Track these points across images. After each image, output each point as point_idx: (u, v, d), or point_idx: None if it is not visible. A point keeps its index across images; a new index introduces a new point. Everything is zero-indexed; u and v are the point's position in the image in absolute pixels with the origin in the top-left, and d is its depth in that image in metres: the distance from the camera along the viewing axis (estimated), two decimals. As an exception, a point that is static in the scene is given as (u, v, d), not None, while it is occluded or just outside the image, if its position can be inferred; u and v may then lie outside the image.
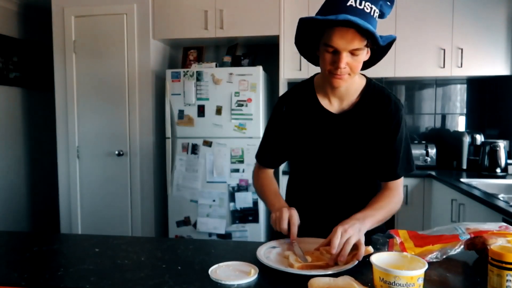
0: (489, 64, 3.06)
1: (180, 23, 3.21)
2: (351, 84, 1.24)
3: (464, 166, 3.13)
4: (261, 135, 2.98)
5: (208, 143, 3.05)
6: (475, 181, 2.58)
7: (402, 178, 1.28)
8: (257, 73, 2.98)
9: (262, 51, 3.51)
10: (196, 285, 0.92)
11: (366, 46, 1.12)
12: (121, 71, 3.24)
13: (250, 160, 3.00)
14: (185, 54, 3.44)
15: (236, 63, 3.25)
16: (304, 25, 1.19)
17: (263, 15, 3.09)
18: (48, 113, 3.68)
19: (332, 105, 1.28)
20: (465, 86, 3.46)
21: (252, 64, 3.24)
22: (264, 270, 0.99)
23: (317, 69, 1.27)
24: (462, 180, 2.63)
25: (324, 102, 1.29)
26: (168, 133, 3.11)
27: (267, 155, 1.41)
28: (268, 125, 1.41)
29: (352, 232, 1.03)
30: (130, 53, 3.22)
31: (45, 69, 3.95)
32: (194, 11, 3.17)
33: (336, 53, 1.12)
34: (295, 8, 3.21)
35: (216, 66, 3.12)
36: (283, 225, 1.13)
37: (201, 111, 3.05)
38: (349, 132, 1.26)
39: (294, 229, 1.13)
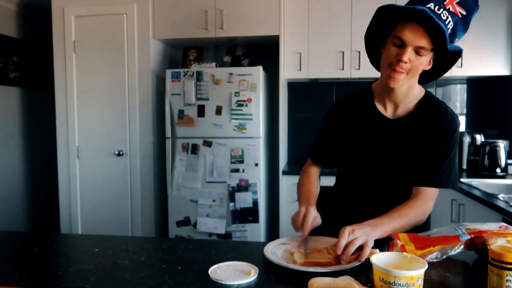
0: (489, 64, 3.06)
1: (180, 23, 3.21)
2: (408, 90, 1.24)
3: (464, 166, 3.13)
4: (261, 135, 3.00)
5: (208, 143, 3.05)
6: (475, 181, 2.58)
7: (436, 191, 1.23)
8: (257, 73, 2.98)
9: (262, 51, 3.51)
10: (196, 285, 0.92)
11: (432, 50, 1.14)
12: (121, 71, 3.24)
13: (250, 160, 3.00)
14: (185, 54, 3.44)
15: (236, 63, 3.25)
16: (381, 14, 1.20)
17: (263, 15, 3.09)
18: (48, 113, 3.67)
19: (387, 111, 1.29)
20: (465, 86, 3.46)
21: (252, 64, 3.24)
22: (265, 270, 0.99)
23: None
24: (462, 180, 2.63)
25: (379, 107, 1.30)
26: (168, 133, 3.11)
27: (319, 152, 1.43)
28: (323, 124, 1.43)
29: (359, 234, 1.02)
30: (130, 53, 3.22)
31: (45, 69, 3.95)
32: (194, 11, 3.17)
33: (402, 47, 1.14)
34: (295, 8, 3.21)
35: (216, 66, 3.12)
36: (298, 223, 1.16)
37: (201, 111, 3.05)
38: (401, 139, 1.26)
39: (306, 228, 1.14)
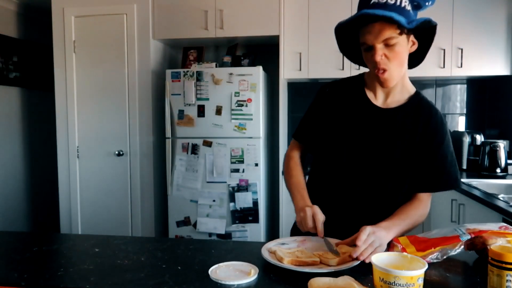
0: (489, 64, 3.06)
1: (180, 23, 3.21)
2: (399, 82, 1.23)
3: (464, 166, 3.12)
4: (261, 135, 3.00)
5: (208, 143, 3.05)
6: (475, 181, 2.58)
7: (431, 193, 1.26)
8: (257, 73, 2.98)
9: (262, 51, 3.51)
10: (196, 285, 0.92)
11: (401, 34, 1.12)
12: (121, 71, 3.24)
13: (250, 160, 3.00)
14: (185, 54, 3.44)
15: (236, 63, 3.25)
16: (338, 33, 1.23)
17: (263, 15, 3.09)
18: (48, 113, 3.67)
19: (377, 100, 1.27)
20: (465, 86, 3.46)
21: (252, 64, 3.24)
22: (265, 270, 0.99)
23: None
24: (462, 180, 2.63)
25: (370, 95, 1.28)
26: (168, 133, 3.11)
27: (305, 133, 1.39)
28: (310, 105, 1.40)
29: (379, 235, 1.04)
30: (130, 53, 3.22)
31: (45, 69, 3.95)
32: (194, 11, 3.17)
33: (371, 49, 1.14)
34: (295, 8, 3.21)
35: (216, 66, 3.12)
36: (309, 224, 1.13)
37: (201, 111, 3.05)
38: (388, 129, 1.23)
39: (320, 226, 1.13)
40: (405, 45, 1.15)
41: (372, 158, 1.24)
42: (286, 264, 0.99)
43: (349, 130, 1.27)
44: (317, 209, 1.17)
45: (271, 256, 1.04)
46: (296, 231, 1.33)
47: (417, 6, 1.15)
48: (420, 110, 1.24)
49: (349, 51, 1.31)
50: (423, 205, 1.23)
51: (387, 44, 1.12)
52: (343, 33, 1.23)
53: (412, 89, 1.28)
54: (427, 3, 1.17)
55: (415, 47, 1.19)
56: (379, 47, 1.12)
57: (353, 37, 1.22)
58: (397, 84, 1.23)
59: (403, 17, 1.09)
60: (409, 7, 1.12)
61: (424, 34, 1.19)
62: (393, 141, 1.23)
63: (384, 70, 1.15)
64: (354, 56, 1.32)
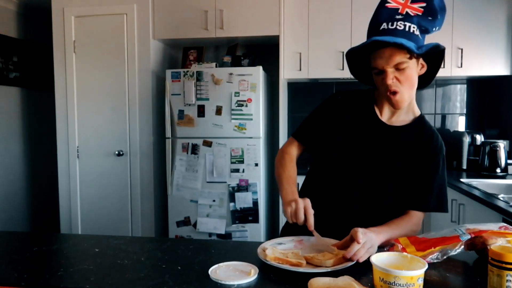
0: (489, 64, 3.06)
1: (180, 23, 3.20)
2: (407, 102, 1.25)
3: (464, 166, 3.13)
4: (261, 135, 3.00)
5: (208, 143, 3.05)
6: (475, 181, 2.58)
7: (423, 213, 1.29)
8: (257, 73, 2.98)
9: (262, 51, 3.51)
10: (196, 285, 0.92)
11: (410, 58, 1.16)
12: (121, 71, 3.24)
13: (250, 160, 3.00)
14: (185, 54, 3.44)
15: (236, 63, 3.25)
16: (350, 57, 1.29)
17: (263, 15, 3.09)
18: (48, 113, 3.67)
19: (383, 117, 1.31)
20: (465, 86, 3.46)
21: (252, 64, 3.24)
22: (265, 270, 0.99)
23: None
24: (462, 180, 2.63)
25: (377, 111, 1.32)
26: (168, 133, 3.11)
27: (307, 132, 1.40)
28: (318, 108, 1.41)
29: (370, 236, 1.05)
30: (130, 53, 3.22)
31: (45, 69, 3.95)
32: (194, 11, 3.17)
33: (382, 73, 1.18)
34: (295, 8, 3.21)
35: (216, 66, 3.12)
36: (301, 216, 1.14)
37: (201, 111, 3.05)
38: (391, 146, 1.27)
39: (311, 219, 1.14)
40: (415, 68, 1.19)
41: (371, 171, 1.27)
42: (270, 261, 0.99)
43: (353, 141, 1.30)
44: (308, 202, 1.17)
45: (261, 255, 1.04)
46: (287, 231, 1.35)
47: (424, 31, 1.20)
48: (423, 133, 1.28)
49: (360, 73, 1.35)
50: (414, 221, 1.26)
51: (398, 68, 1.16)
52: (354, 57, 1.28)
53: (417, 112, 1.32)
54: (434, 29, 1.20)
55: (424, 69, 1.23)
56: (390, 71, 1.17)
57: (363, 61, 1.27)
58: (404, 107, 1.27)
59: (412, 42, 1.14)
60: (417, 32, 1.17)
61: (433, 56, 1.23)
62: (393, 157, 1.26)
63: (396, 92, 1.19)
64: (364, 78, 1.35)
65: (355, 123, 1.31)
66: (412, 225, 1.25)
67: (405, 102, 1.22)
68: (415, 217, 1.26)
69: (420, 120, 1.30)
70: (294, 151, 1.42)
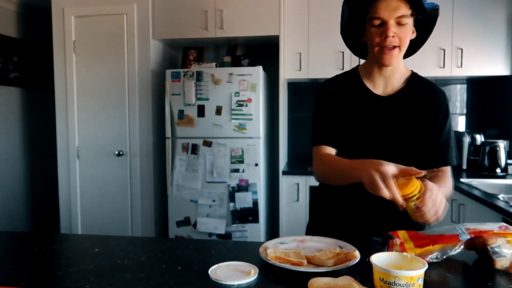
0: (489, 64, 3.06)
1: (180, 23, 3.21)
2: (397, 67, 1.26)
3: (464, 166, 3.13)
4: (261, 135, 3.00)
5: (208, 143, 3.05)
6: (475, 181, 2.58)
7: (450, 167, 1.28)
8: (257, 73, 2.98)
9: (262, 51, 3.51)
10: (196, 285, 0.92)
11: (411, 15, 1.16)
12: (121, 71, 3.24)
13: (250, 160, 3.00)
14: (185, 54, 3.44)
15: (236, 63, 3.25)
16: (349, 5, 1.24)
17: (263, 15, 3.09)
18: (48, 113, 3.67)
19: (377, 89, 1.29)
20: (465, 86, 3.46)
21: (252, 64, 3.24)
22: (265, 270, 0.99)
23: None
24: (462, 180, 2.63)
25: (369, 85, 1.30)
26: (168, 133, 3.11)
27: (329, 134, 1.31)
28: (316, 108, 1.36)
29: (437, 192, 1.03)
30: (130, 53, 3.22)
31: (45, 69, 3.95)
32: (194, 11, 3.17)
33: (383, 25, 1.16)
34: (295, 8, 3.21)
35: (216, 66, 3.12)
36: (380, 186, 1.01)
37: (201, 111, 3.05)
38: (395, 115, 1.26)
39: (392, 186, 1.00)
40: (410, 28, 1.19)
41: (384, 145, 1.26)
42: (271, 260, 0.99)
43: (358, 124, 1.29)
44: (384, 166, 1.04)
45: (263, 254, 1.04)
46: (312, 229, 1.35)
47: None
48: (422, 89, 1.28)
49: (350, 38, 1.32)
50: (448, 175, 1.25)
51: (399, 23, 1.16)
52: (351, 5, 1.24)
53: (407, 72, 1.31)
54: None
55: (414, 35, 1.23)
56: (392, 23, 1.15)
57: (358, 24, 1.24)
58: (395, 71, 1.27)
59: None
60: None
61: (423, 25, 1.23)
62: (402, 124, 1.26)
63: (394, 47, 1.18)
64: (353, 45, 1.34)
65: (353, 107, 1.29)
66: (449, 180, 1.24)
67: (396, 61, 1.21)
68: (448, 172, 1.26)
69: (413, 78, 1.30)
70: (328, 153, 1.33)
